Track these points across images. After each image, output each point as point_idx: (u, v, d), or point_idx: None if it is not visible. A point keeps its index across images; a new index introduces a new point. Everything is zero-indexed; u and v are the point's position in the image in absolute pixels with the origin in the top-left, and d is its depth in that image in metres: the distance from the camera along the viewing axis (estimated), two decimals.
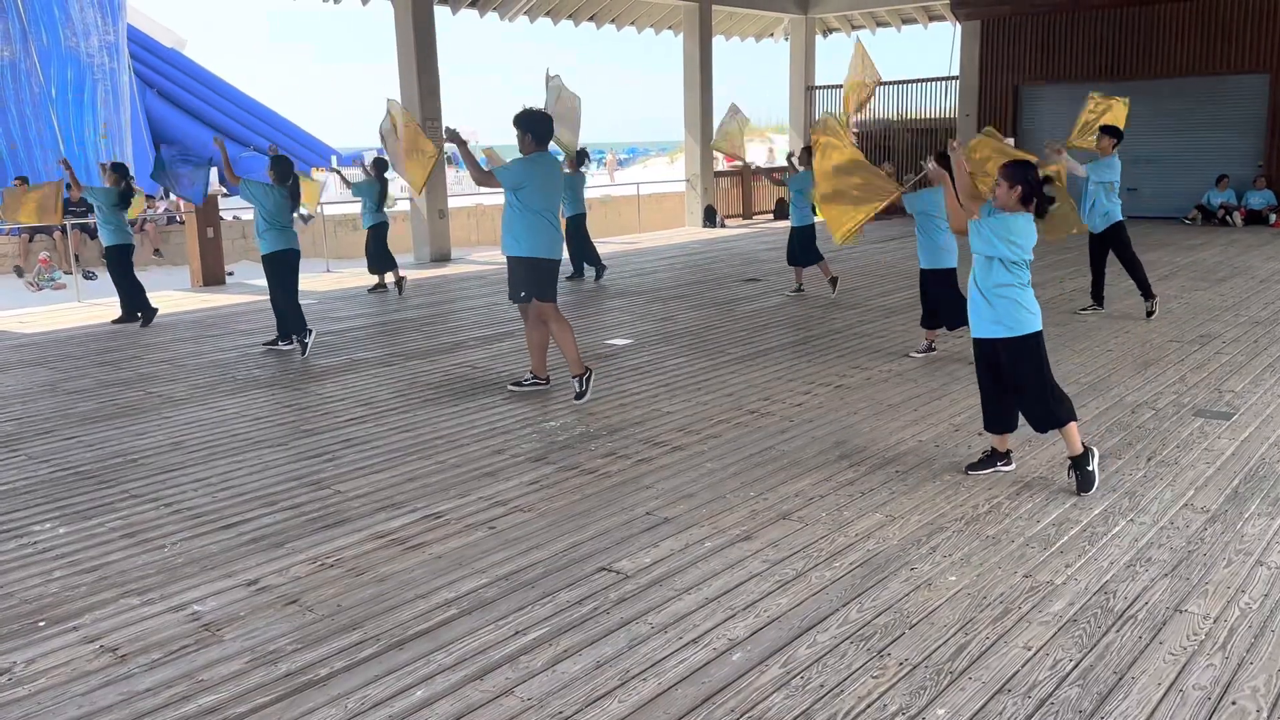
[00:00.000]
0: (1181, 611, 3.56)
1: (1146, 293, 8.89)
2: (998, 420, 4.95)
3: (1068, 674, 3.16)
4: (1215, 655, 3.26)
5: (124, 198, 9.97)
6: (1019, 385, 4.76)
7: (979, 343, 4.84)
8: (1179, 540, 4.19)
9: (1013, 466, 5.03)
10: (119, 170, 10.08)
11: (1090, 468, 4.75)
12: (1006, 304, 4.66)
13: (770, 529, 4.39)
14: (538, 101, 8.19)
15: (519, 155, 6.54)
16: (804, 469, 5.19)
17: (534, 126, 6.47)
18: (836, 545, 4.20)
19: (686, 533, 4.37)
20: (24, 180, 16.96)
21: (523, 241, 6.51)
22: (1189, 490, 4.78)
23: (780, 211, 21.26)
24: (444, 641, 3.46)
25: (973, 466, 5.03)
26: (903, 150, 21.21)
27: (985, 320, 4.74)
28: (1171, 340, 8.04)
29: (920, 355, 7.63)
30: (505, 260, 6.73)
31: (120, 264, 10.10)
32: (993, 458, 5.02)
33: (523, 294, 6.64)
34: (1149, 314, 8.78)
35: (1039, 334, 4.71)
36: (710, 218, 19.44)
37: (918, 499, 4.73)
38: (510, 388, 6.96)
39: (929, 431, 5.79)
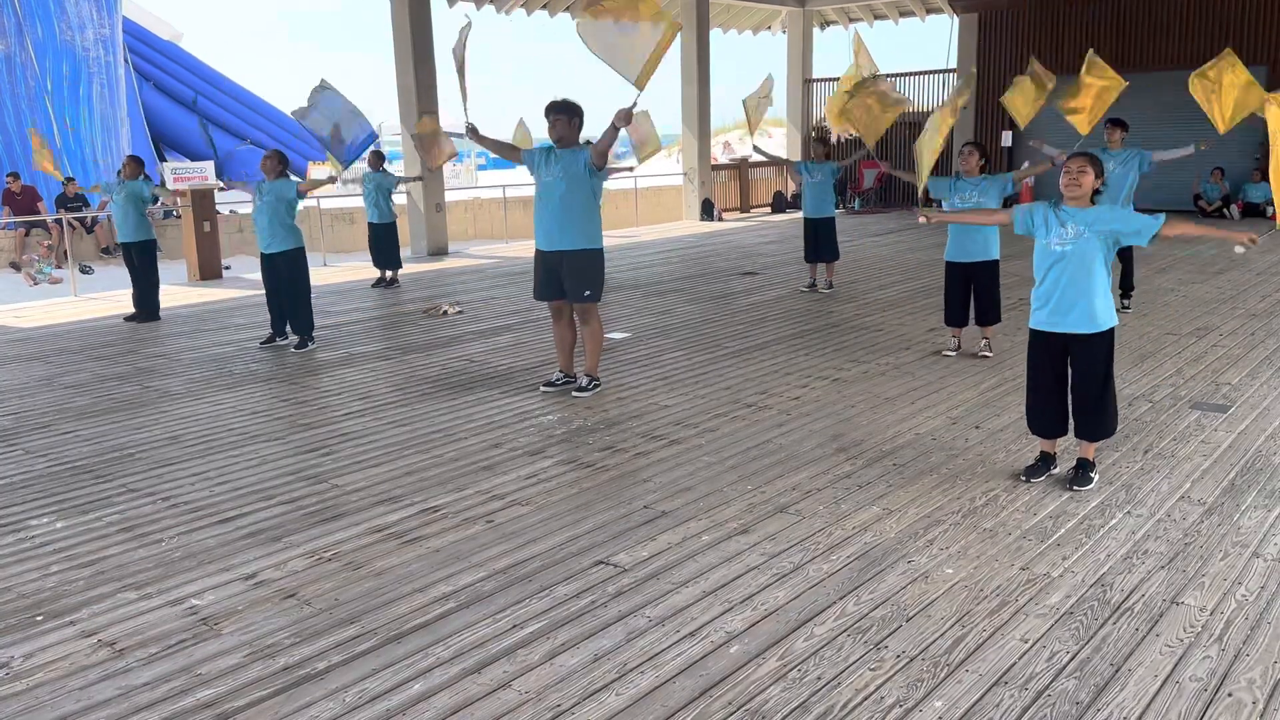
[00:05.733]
0: (1178, 604, 3.57)
1: (1128, 290, 9.00)
2: (1058, 423, 4.86)
3: (1065, 666, 3.17)
4: (1212, 647, 3.27)
5: (151, 191, 10.01)
6: (1090, 383, 4.64)
7: (1054, 338, 4.68)
8: (1176, 533, 4.19)
9: (1059, 469, 4.95)
10: (139, 163, 10.03)
11: (1093, 474, 4.76)
12: (1105, 297, 4.57)
13: (767, 522, 4.39)
14: (536, 100, 7.46)
15: (552, 143, 6.36)
16: (801, 462, 5.19)
17: (580, 115, 6.34)
18: (834, 538, 4.21)
19: (684, 526, 4.37)
20: (15, 175, 16.98)
21: (594, 234, 6.42)
22: (1186, 483, 4.78)
23: (778, 205, 21.25)
24: (441, 635, 3.46)
25: (1030, 472, 4.86)
26: (899, 144, 21.20)
27: (1065, 314, 4.60)
28: (1168, 333, 8.05)
29: (954, 354, 7.47)
30: (549, 256, 6.43)
31: (150, 261, 10.07)
32: (1047, 462, 4.90)
33: (588, 293, 6.46)
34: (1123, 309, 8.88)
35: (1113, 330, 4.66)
36: (707, 211, 19.43)
37: (915, 492, 4.73)
38: (543, 388, 6.77)
39: (926, 425, 5.79)
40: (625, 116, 5.93)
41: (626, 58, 5.86)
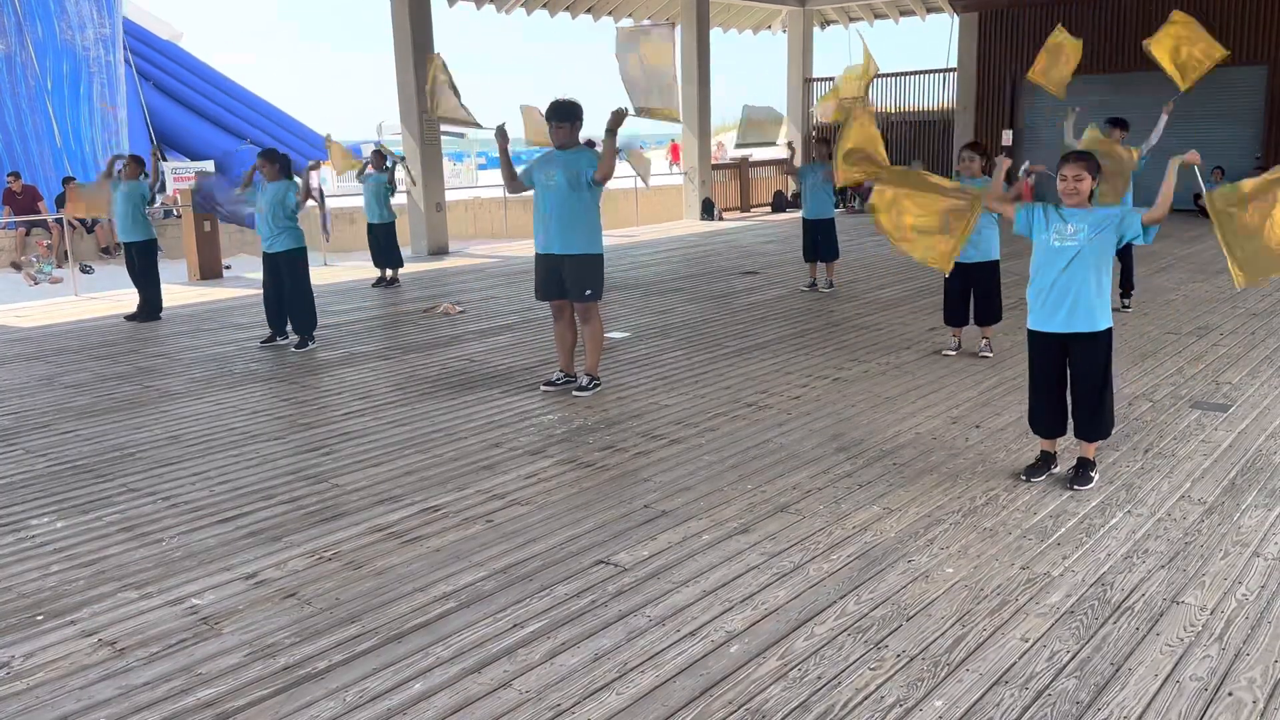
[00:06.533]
0: (1178, 603, 3.57)
1: (1128, 290, 9.01)
2: (1058, 423, 4.86)
3: (1065, 665, 3.17)
4: (1212, 646, 3.27)
5: (150, 191, 10.03)
6: (1088, 383, 4.64)
7: (1052, 338, 4.68)
8: (1176, 532, 4.19)
9: (1059, 469, 4.94)
10: (140, 163, 10.04)
11: (1093, 473, 4.77)
12: (1103, 297, 4.59)
13: (768, 522, 4.39)
14: (535, 99, 7.48)
15: (553, 148, 6.41)
16: (801, 462, 5.19)
17: (580, 117, 6.39)
18: (834, 538, 4.21)
19: (684, 525, 4.37)
20: (16, 175, 16.97)
21: (595, 238, 6.48)
22: (1186, 482, 4.78)
23: (779, 204, 21.25)
24: (442, 634, 3.46)
25: (1031, 471, 4.86)
26: (899, 143, 21.18)
27: (1064, 313, 4.60)
28: (1169, 332, 8.05)
29: (954, 353, 7.48)
30: (549, 259, 6.48)
31: (150, 260, 10.09)
32: (1047, 462, 4.90)
33: (589, 292, 6.51)
34: (1123, 308, 8.89)
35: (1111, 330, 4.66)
36: (708, 211, 19.43)
37: (915, 491, 4.73)
38: (544, 388, 6.78)
39: (927, 424, 5.79)
40: (617, 119, 6.34)
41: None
